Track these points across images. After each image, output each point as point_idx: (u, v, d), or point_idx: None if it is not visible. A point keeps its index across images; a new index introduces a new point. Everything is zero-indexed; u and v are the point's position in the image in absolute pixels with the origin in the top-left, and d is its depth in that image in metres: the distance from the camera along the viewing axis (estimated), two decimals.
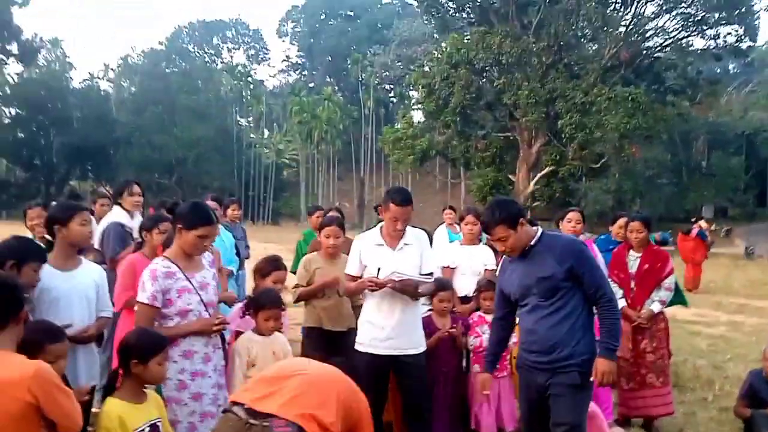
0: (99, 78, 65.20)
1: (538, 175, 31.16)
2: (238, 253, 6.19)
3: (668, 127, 32.49)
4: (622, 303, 4.81)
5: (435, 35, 39.30)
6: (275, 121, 65.40)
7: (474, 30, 31.10)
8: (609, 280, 4.76)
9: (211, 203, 5.52)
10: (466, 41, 31.27)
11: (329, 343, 4.07)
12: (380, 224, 3.75)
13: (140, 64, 66.66)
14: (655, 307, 4.72)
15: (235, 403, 2.31)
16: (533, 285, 3.05)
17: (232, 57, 76.60)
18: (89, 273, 3.25)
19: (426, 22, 39.30)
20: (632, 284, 4.82)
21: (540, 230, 3.13)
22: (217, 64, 72.87)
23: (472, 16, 33.66)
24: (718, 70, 42.59)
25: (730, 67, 46.90)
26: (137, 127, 53.97)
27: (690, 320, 9.93)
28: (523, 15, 31.64)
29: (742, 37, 30.45)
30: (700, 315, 10.58)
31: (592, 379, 3.04)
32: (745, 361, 6.95)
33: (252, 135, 62.80)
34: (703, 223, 15.45)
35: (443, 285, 4.31)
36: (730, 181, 42.01)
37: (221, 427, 2.33)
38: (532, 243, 3.07)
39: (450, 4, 33.72)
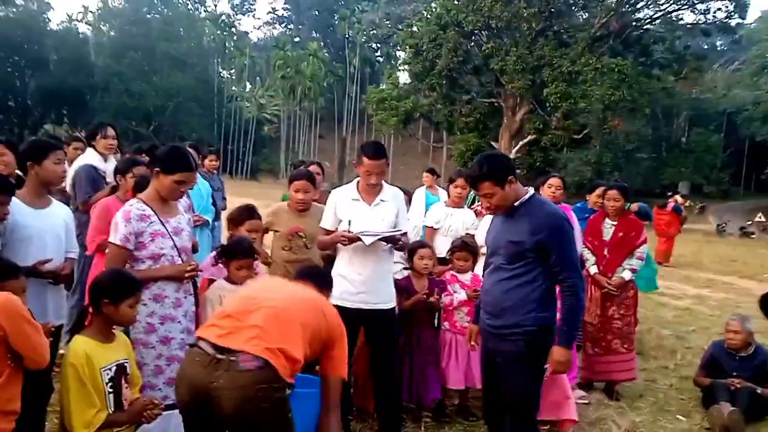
0: (78, 20, 63.20)
1: (521, 143, 31.16)
2: (214, 204, 6.13)
3: (652, 100, 32.56)
4: (594, 269, 4.89)
5: None
6: (258, 74, 64.25)
7: None
8: (583, 246, 4.87)
9: (190, 150, 5.43)
10: (456, 2, 30.77)
11: None
12: (357, 179, 3.72)
13: (121, 8, 64.60)
14: (626, 275, 4.80)
15: (201, 339, 2.31)
16: (502, 246, 2.97)
17: (216, 6, 74.65)
18: (59, 212, 3.21)
19: None
20: (605, 251, 4.88)
21: (530, 193, 2.98)
22: (200, 13, 70.96)
23: None
24: (706, 46, 42.66)
25: (718, 43, 46.98)
26: (115, 73, 52.62)
27: (658, 292, 10.14)
28: None
29: (732, 14, 30.41)
30: (668, 287, 10.80)
31: (546, 366, 2.97)
32: (708, 334, 7.15)
33: (233, 87, 61.68)
34: (678, 198, 15.68)
35: (422, 244, 4.34)
36: (707, 159, 42.55)
37: (187, 362, 2.32)
38: (516, 204, 2.93)
39: None
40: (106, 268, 2.90)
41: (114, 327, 2.69)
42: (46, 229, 3.07)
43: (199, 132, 54.03)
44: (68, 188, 4.60)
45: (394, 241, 3.58)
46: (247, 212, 3.91)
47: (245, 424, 2.18)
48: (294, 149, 58.94)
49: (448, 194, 5.31)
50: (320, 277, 3.02)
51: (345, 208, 3.65)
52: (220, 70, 65.27)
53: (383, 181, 3.71)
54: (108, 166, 4.66)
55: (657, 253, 13.85)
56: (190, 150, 5.49)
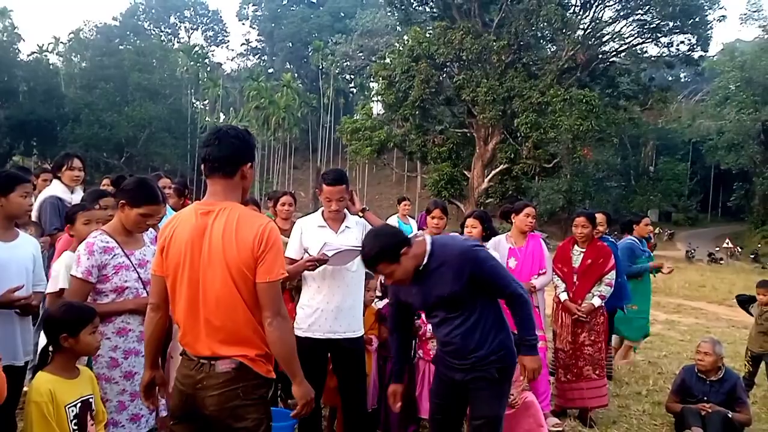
0: (48, 51, 62.78)
1: (493, 172, 31.57)
2: None
3: (619, 130, 33.42)
4: (564, 296, 4.93)
5: (398, 27, 39.31)
6: (232, 105, 64.34)
7: (436, 24, 31.23)
8: (553, 273, 4.91)
9: (163, 181, 5.39)
10: (428, 35, 31.37)
11: None
12: (322, 208, 3.72)
13: (92, 39, 64.53)
14: (596, 302, 4.84)
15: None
16: (435, 303, 2.94)
17: (189, 37, 75.09)
18: (27, 245, 3.15)
19: (389, 13, 39.25)
20: (575, 278, 4.93)
21: (428, 246, 2.89)
22: (173, 44, 71.14)
23: (435, 10, 33.78)
24: (670, 78, 43.97)
25: (682, 75, 48.53)
26: (86, 104, 52.21)
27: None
28: (485, 12, 31.95)
29: (695, 47, 31.46)
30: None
31: (522, 378, 3.04)
32: (679, 359, 7.23)
33: (207, 118, 61.60)
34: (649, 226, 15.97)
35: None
36: (675, 187, 43.63)
37: (181, 369, 2.37)
38: (422, 266, 2.87)
39: None
40: (65, 300, 2.83)
41: (78, 361, 2.62)
42: (12, 261, 2.99)
43: (171, 162, 53.66)
44: (34, 218, 4.50)
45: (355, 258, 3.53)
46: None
47: (228, 421, 2.25)
48: (269, 179, 58.80)
49: (419, 225, 5.33)
50: (226, 160, 2.36)
51: (311, 235, 3.62)
52: (194, 101, 65.22)
53: (346, 210, 3.71)
54: (74, 197, 4.57)
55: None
56: (164, 180, 5.48)
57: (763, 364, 5.61)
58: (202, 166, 2.36)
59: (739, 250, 33.93)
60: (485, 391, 2.97)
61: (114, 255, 2.87)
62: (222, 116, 64.10)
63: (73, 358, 2.58)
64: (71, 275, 2.88)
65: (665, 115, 43.14)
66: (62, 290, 3.09)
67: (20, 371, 2.94)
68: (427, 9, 34.34)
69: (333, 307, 3.55)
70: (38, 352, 2.65)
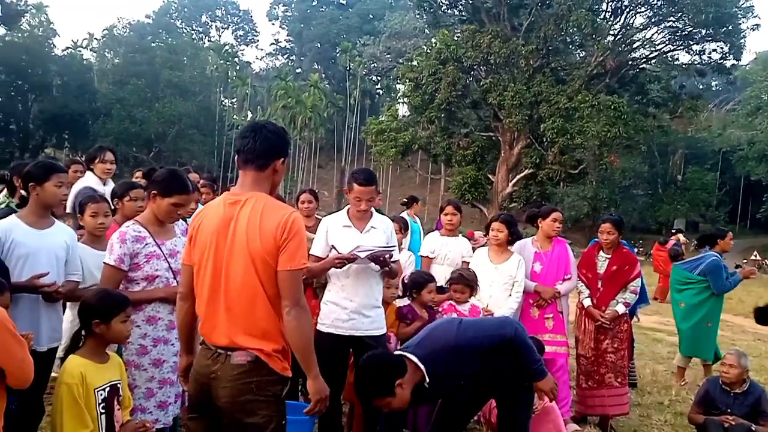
0: (82, 47, 64.00)
1: (518, 176, 31.37)
2: None
3: (648, 138, 32.97)
4: (587, 302, 4.90)
5: (426, 30, 39.29)
6: (259, 104, 64.87)
7: (465, 27, 31.13)
8: (578, 278, 4.89)
9: (192, 175, 5.51)
10: (456, 38, 31.30)
11: None
12: (347, 207, 3.76)
13: (125, 36, 65.57)
14: (620, 309, 4.81)
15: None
16: (483, 392, 3.17)
17: (219, 36, 75.92)
18: (61, 234, 3.22)
19: (417, 16, 39.26)
20: (599, 284, 4.90)
21: (423, 368, 2.86)
22: (204, 42, 71.97)
23: (463, 13, 33.68)
24: (701, 86, 43.28)
25: (713, 83, 47.74)
26: (118, 100, 53.07)
27: (654, 327, 10.14)
28: (514, 16, 31.76)
29: (727, 55, 30.88)
30: (663, 323, 10.78)
31: (543, 403, 3.17)
32: (702, 369, 7.12)
33: (235, 116, 62.21)
34: (681, 237, 15.79)
35: (431, 278, 4.38)
36: (703, 197, 42.80)
37: (199, 359, 2.41)
38: (426, 385, 2.86)
39: (442, 0, 33.71)
40: (99, 287, 2.91)
41: (108, 347, 2.70)
42: (42, 249, 3.07)
43: (199, 159, 54.27)
44: (69, 210, 4.62)
45: (384, 263, 3.58)
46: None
47: (239, 415, 2.26)
48: (293, 178, 59.15)
49: (436, 227, 5.38)
50: (260, 154, 2.43)
51: (336, 234, 3.68)
52: (222, 99, 65.92)
53: (373, 209, 3.74)
54: (106, 190, 4.69)
55: (655, 290, 13.91)
56: (193, 174, 5.58)
57: None
58: (236, 158, 2.42)
59: (767, 263, 33.24)
60: (511, 400, 3.03)
61: (146, 244, 2.96)
62: (249, 114, 64.71)
63: (104, 344, 2.66)
64: (104, 263, 2.96)
65: (695, 124, 42.38)
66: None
67: (43, 356, 3.01)
68: (456, 12, 34.24)
69: (356, 305, 3.61)
70: (71, 336, 2.73)
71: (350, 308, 3.61)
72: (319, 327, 3.72)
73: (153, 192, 3.02)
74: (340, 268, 3.57)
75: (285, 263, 2.27)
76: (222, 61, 64.01)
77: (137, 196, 3.78)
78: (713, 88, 49.48)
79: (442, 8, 34.13)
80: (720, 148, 42.61)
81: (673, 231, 17.13)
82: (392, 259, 3.64)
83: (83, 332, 2.63)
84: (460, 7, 33.67)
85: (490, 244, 4.76)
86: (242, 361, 2.26)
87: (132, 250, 2.93)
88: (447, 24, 33.85)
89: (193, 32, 74.56)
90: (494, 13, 31.59)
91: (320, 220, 5.46)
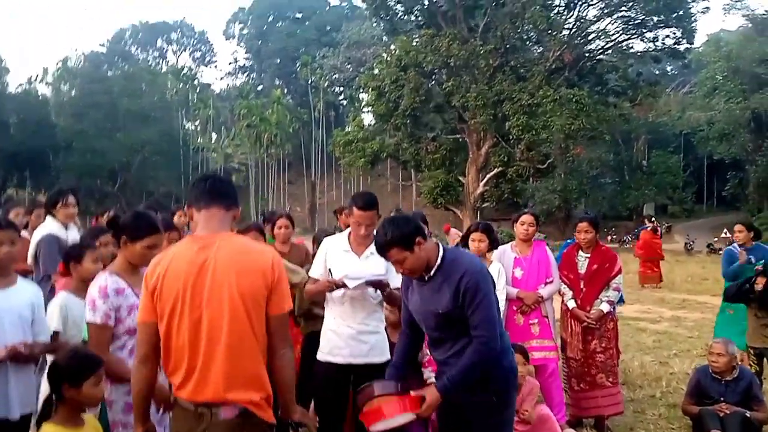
0: (37, 82, 62.76)
1: (487, 176, 31.58)
2: None
3: (610, 127, 33.47)
4: (571, 303, 4.87)
5: (384, 38, 39.44)
6: (223, 124, 64.33)
7: (422, 33, 31.32)
8: (560, 280, 4.86)
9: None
10: (414, 44, 31.45)
11: None
12: (348, 230, 3.68)
13: (80, 67, 64.44)
14: (604, 307, 4.79)
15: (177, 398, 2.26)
16: (431, 318, 2.85)
17: (177, 59, 75.12)
18: (25, 292, 3.04)
19: (375, 24, 39.40)
20: (581, 284, 4.87)
21: (441, 252, 2.83)
22: (161, 67, 71.19)
23: (420, 18, 33.88)
24: (657, 72, 44.12)
25: (668, 68, 48.69)
26: (78, 132, 52.11)
27: (635, 317, 10.21)
28: (470, 18, 32.06)
29: (680, 40, 31.56)
30: (644, 311, 10.89)
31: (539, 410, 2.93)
32: (690, 356, 7.18)
33: (199, 139, 61.59)
34: (648, 222, 16.14)
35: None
36: (669, 179, 43.54)
37: (178, 422, 2.26)
38: (432, 270, 2.81)
39: (398, 6, 33.84)
40: (90, 349, 2.76)
41: (85, 410, 2.55)
42: (4, 310, 2.89)
43: (166, 185, 53.58)
44: (29, 260, 4.44)
45: (381, 287, 3.48)
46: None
47: None
48: (264, 196, 58.71)
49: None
50: (226, 193, 2.40)
51: (335, 258, 3.61)
52: (185, 123, 65.20)
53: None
54: (69, 234, 4.52)
55: (648, 277, 14.17)
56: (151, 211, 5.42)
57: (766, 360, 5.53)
58: (198, 198, 2.30)
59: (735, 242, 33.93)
60: (485, 420, 2.87)
61: (126, 295, 2.83)
62: (214, 136, 64.13)
63: (78, 409, 2.51)
64: (88, 322, 2.81)
65: (655, 109, 43.12)
66: (56, 333, 3.02)
67: (17, 426, 2.83)
68: (413, 18, 34.44)
69: (354, 332, 3.52)
70: (41, 402, 2.58)
71: (347, 335, 3.52)
72: (318, 356, 3.65)
73: (123, 238, 2.90)
74: (331, 291, 3.50)
75: (278, 306, 2.20)
76: (181, 85, 63.36)
77: (107, 242, 3.64)
78: (669, 73, 50.43)
79: (399, 15, 34.30)
80: (681, 131, 43.40)
81: (651, 217, 17.50)
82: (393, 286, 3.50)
83: (54, 397, 2.48)
84: (416, 12, 33.86)
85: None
86: (231, 416, 2.15)
87: (114, 304, 2.79)
88: (405, 30, 34.00)
89: (149, 58, 73.74)
90: (450, 16, 31.84)
91: (296, 244, 5.36)
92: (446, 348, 2.88)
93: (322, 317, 4.65)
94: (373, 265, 3.53)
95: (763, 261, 5.98)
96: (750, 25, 39.23)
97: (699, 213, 47.38)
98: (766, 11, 38.71)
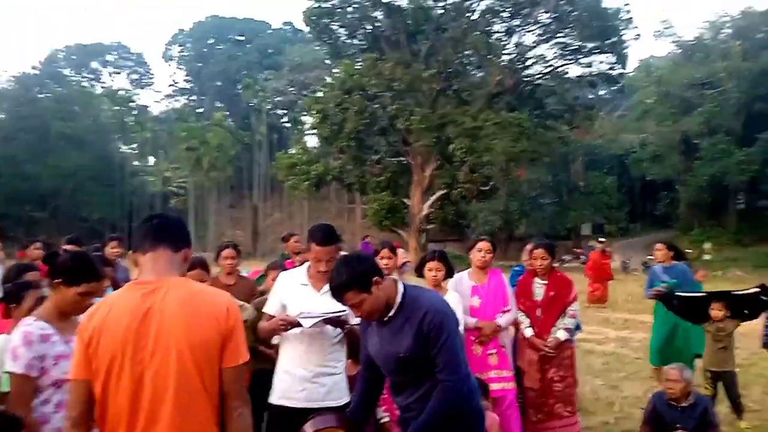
0: None
1: (432, 198, 31.81)
2: None
3: (550, 150, 34.42)
4: (528, 332, 4.77)
5: (327, 61, 39.45)
6: (161, 147, 62.70)
7: (366, 56, 31.50)
8: (517, 309, 4.76)
9: (68, 247, 5.02)
10: (358, 68, 31.58)
11: None
12: (307, 263, 3.45)
13: (9, 90, 61.71)
14: (561, 335, 4.71)
15: None
16: (393, 362, 2.68)
17: (112, 81, 73.05)
18: None
19: (318, 47, 39.38)
20: (538, 312, 4.78)
21: (401, 290, 2.67)
22: (96, 89, 69.05)
23: (363, 42, 34.10)
24: (592, 96, 45.78)
25: (602, 93, 50.58)
26: (6, 157, 49.64)
27: (583, 338, 10.22)
28: (413, 43, 32.49)
29: (614, 65, 32.94)
30: (591, 332, 10.96)
31: None
32: (639, 378, 7.22)
33: (136, 162, 59.82)
34: (600, 240, 16.54)
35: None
36: (605, 200, 44.97)
37: None
38: (392, 310, 2.64)
39: (341, 30, 34.00)
40: (11, 404, 2.45)
41: None
42: None
43: (101, 211, 51.61)
44: None
45: (340, 325, 3.27)
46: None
47: None
48: (204, 220, 57.33)
49: None
50: (175, 231, 2.18)
51: (291, 293, 3.35)
52: (121, 146, 63.24)
53: None
54: None
55: (596, 297, 14.38)
56: (68, 246, 5.05)
57: (720, 383, 5.59)
58: (142, 240, 2.08)
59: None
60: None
61: (53, 343, 2.53)
62: (152, 159, 62.40)
63: None
64: (9, 372, 2.49)
65: (591, 132, 44.74)
66: None
67: None
68: (356, 42, 34.64)
69: (310, 373, 3.27)
70: None
71: (303, 377, 3.27)
72: (271, 399, 3.39)
73: (57, 281, 2.62)
74: (284, 331, 3.24)
75: (233, 357, 1.98)
76: (117, 108, 61.54)
77: (38, 296, 3.30)
78: (604, 97, 52.43)
79: (342, 39, 34.44)
80: (616, 153, 45.08)
81: (601, 240, 17.99)
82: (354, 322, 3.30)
83: None
84: (359, 36, 34.09)
85: (428, 284, 4.53)
86: None
87: (39, 352, 2.49)
88: (348, 54, 34.14)
89: (83, 80, 71.38)
90: (393, 41, 32.18)
91: (243, 276, 5.08)
92: (408, 393, 2.70)
93: (269, 355, 4.40)
94: (333, 300, 3.34)
95: (676, 280, 6.16)
96: (679, 50, 41.33)
97: (633, 232, 49.00)
98: (693, 38, 40.78)
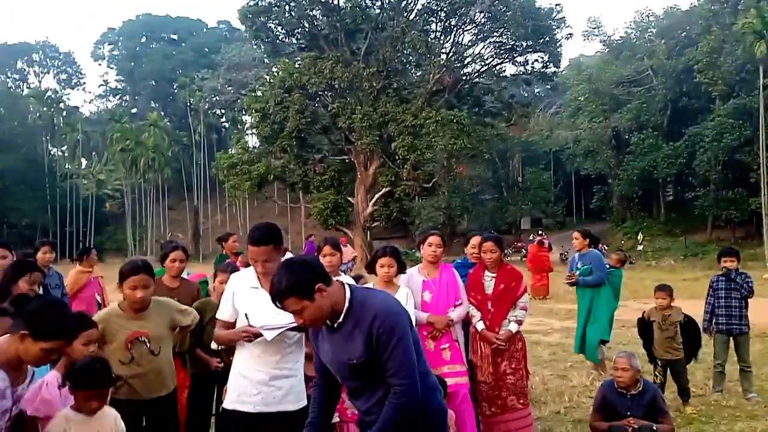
0: None
1: (376, 196, 31.85)
2: None
3: (489, 146, 34.98)
4: (480, 325, 4.77)
5: (265, 60, 38.87)
6: (94, 149, 60.31)
7: (305, 55, 31.25)
8: (468, 303, 4.75)
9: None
10: (297, 66, 31.26)
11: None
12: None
13: None
14: (512, 327, 4.72)
15: None
16: (346, 369, 2.58)
17: (40, 82, 69.79)
18: None
19: (255, 46, 38.75)
20: (489, 305, 4.78)
21: (349, 294, 2.53)
22: (22, 90, 65.83)
23: (302, 41, 33.81)
24: (526, 95, 46.89)
25: (537, 91, 51.88)
26: None
27: (529, 330, 10.40)
28: (352, 41, 32.43)
29: (547, 63, 33.78)
30: (536, 323, 11.20)
31: None
32: (584, 368, 7.37)
33: (67, 165, 57.31)
34: (539, 233, 17.02)
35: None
36: (542, 194, 46.19)
37: None
38: (341, 316, 2.51)
39: (279, 29, 33.58)
40: None
41: None
42: None
43: (30, 216, 49.29)
44: None
45: (304, 331, 3.16)
46: (80, 322, 3.09)
47: None
48: (142, 224, 55.54)
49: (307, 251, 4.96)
50: None
51: (243, 297, 3.20)
52: (50, 149, 60.52)
53: None
54: None
55: (538, 289, 14.62)
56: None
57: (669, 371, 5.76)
58: None
59: (606, 248, 36.47)
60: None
61: (6, 398, 2.38)
62: (84, 162, 59.92)
63: None
64: None
65: (527, 129, 45.79)
66: None
67: None
68: (294, 40, 34.30)
69: (266, 376, 3.13)
70: None
71: (259, 380, 3.12)
72: (225, 404, 3.24)
73: (23, 331, 2.39)
74: (249, 342, 3.11)
75: None
76: (45, 109, 58.83)
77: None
78: (538, 95, 53.77)
79: (280, 37, 34.03)
80: (551, 149, 46.33)
81: (540, 233, 18.53)
82: None
83: None
84: (297, 35, 33.76)
85: (379, 280, 4.47)
86: None
87: None
88: (287, 52, 33.77)
89: (8, 80, 67.94)
90: (332, 39, 32.02)
91: (186, 279, 4.88)
92: (366, 397, 2.60)
93: (205, 360, 4.23)
94: None
95: (588, 266, 6.43)
96: (607, 49, 42.79)
97: (570, 225, 50.41)
98: (620, 37, 42.29)
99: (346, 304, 2.51)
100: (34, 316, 2.44)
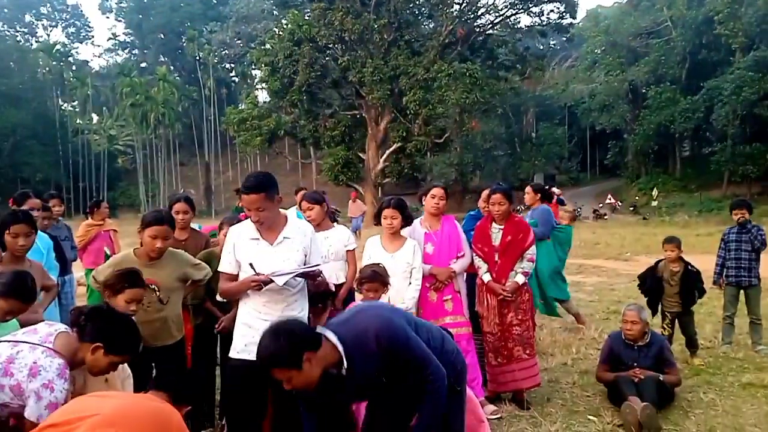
0: None
1: (387, 151, 31.60)
2: (61, 257, 5.28)
3: (502, 100, 34.53)
4: (487, 277, 4.72)
5: (274, 11, 38.20)
6: (104, 104, 60.20)
7: (314, 6, 30.59)
8: (473, 254, 4.70)
9: (32, 202, 4.79)
10: (307, 17, 30.67)
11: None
12: None
13: None
14: (519, 279, 4.67)
15: None
16: (381, 388, 2.63)
17: (48, 35, 69.22)
18: None
19: None
20: (496, 257, 4.73)
21: (340, 345, 2.48)
22: (31, 44, 65.36)
23: None
24: (542, 47, 45.86)
25: (552, 43, 50.75)
26: None
27: None
28: None
29: (564, 14, 32.89)
30: None
31: None
32: (594, 321, 7.36)
33: (78, 120, 57.32)
34: (556, 189, 16.71)
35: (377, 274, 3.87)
36: (556, 150, 45.74)
37: None
38: (345, 366, 2.48)
39: None
40: None
41: None
42: None
43: (43, 171, 49.60)
44: None
45: (311, 278, 3.17)
46: (129, 279, 3.16)
47: None
48: (154, 179, 55.78)
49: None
50: (177, 389, 2.49)
51: (244, 248, 3.19)
52: (61, 103, 60.42)
53: (290, 214, 3.31)
54: None
55: None
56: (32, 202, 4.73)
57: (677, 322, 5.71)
58: None
59: (620, 204, 36.21)
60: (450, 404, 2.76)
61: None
62: (95, 117, 59.90)
63: None
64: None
65: (542, 83, 45.01)
66: None
67: None
68: None
69: None
70: None
71: (264, 329, 3.14)
72: (231, 354, 3.26)
73: (97, 344, 2.48)
74: (259, 290, 3.11)
75: None
76: (54, 63, 58.52)
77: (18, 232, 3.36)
78: (554, 47, 52.60)
79: None
80: (566, 103, 45.55)
81: (553, 186, 18.23)
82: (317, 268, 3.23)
83: None
84: None
85: (384, 232, 4.42)
86: None
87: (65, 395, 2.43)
88: (296, 4, 33.08)
89: (17, 34, 67.39)
90: None
91: (196, 230, 4.85)
92: (392, 395, 2.71)
93: (214, 313, 4.22)
94: (288, 251, 3.20)
95: (534, 221, 6.30)
96: (625, 0, 41.53)
97: (584, 181, 50.09)
98: None
99: (342, 353, 2.49)
100: (113, 334, 2.52)
